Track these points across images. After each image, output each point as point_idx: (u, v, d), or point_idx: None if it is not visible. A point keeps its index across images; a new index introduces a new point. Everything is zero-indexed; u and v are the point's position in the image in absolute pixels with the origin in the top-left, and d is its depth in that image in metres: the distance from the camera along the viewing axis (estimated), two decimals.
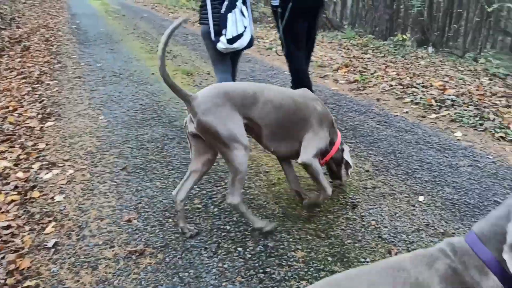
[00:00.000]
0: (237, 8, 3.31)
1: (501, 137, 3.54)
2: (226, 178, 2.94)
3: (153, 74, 5.98)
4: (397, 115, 4.12)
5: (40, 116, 4.45)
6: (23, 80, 6.00)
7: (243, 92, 2.29)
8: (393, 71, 5.94)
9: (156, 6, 16.67)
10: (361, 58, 7.32)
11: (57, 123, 4.25)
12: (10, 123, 4.34)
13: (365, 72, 5.72)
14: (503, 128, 3.65)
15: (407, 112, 4.20)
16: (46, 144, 3.75)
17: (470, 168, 3.04)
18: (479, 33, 12.78)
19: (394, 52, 7.93)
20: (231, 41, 3.29)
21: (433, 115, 4.07)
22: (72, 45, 8.42)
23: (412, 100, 4.49)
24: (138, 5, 17.66)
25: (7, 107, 4.92)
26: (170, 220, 2.52)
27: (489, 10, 8.50)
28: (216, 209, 2.60)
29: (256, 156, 3.30)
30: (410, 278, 1.03)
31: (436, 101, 4.32)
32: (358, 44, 8.90)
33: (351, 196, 2.64)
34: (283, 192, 2.72)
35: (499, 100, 4.46)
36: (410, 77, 5.50)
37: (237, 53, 3.59)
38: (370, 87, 5.05)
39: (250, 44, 3.46)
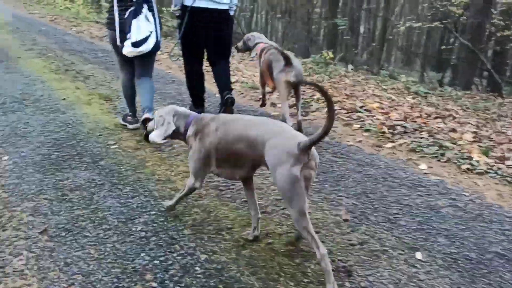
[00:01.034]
0: (142, 14, 3.57)
1: (468, 169, 3.43)
2: (181, 241, 2.42)
3: (64, 99, 5.19)
4: (351, 145, 3.88)
5: None
6: None
7: None
8: (330, 92, 5.77)
9: (55, 19, 15.29)
10: None
11: None
12: None
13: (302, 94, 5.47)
14: (466, 159, 3.55)
15: (360, 141, 3.98)
16: None
17: (452, 209, 2.83)
18: (382, 50, 13.46)
19: (319, 71, 7.87)
20: (135, 44, 3.53)
21: (389, 144, 3.89)
22: None
23: (361, 127, 4.29)
24: (34, 16, 16.08)
25: None
26: None
27: (401, 28, 8.82)
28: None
29: (212, 206, 2.80)
30: None
31: (387, 128, 4.16)
32: None
33: (340, 259, 2.25)
34: (257, 257, 2.26)
35: (442, 123, 4.44)
36: (347, 99, 5.36)
37: (146, 58, 3.80)
38: (312, 112, 4.79)
39: (156, 47, 3.72)
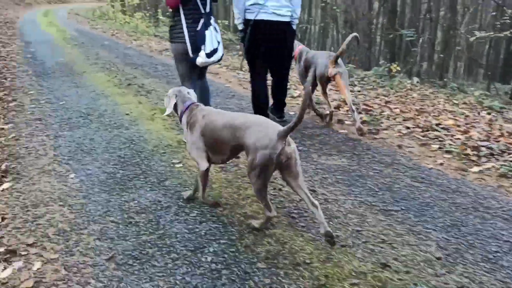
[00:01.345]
0: (212, 25, 3.82)
1: None
2: (255, 276, 2.22)
3: (127, 114, 5.19)
4: (432, 168, 3.54)
5: None
6: None
7: None
8: (396, 108, 5.44)
9: (116, 33, 15.82)
10: (350, 91, 6.82)
11: (16, 185, 3.39)
12: None
13: (370, 110, 5.18)
14: None
15: (442, 164, 3.63)
16: (2, 219, 2.89)
17: None
18: (447, 61, 12.77)
19: (383, 84, 7.51)
20: (209, 55, 3.76)
21: (476, 168, 3.52)
22: (28, 78, 7.48)
23: (440, 148, 3.94)
24: (97, 31, 16.74)
25: None
26: None
27: (472, 39, 8.31)
28: None
29: (285, 236, 2.59)
30: None
31: (471, 149, 3.79)
32: None
33: None
34: None
35: None
36: (419, 115, 5.00)
37: (204, 68, 4.13)
38: (383, 129, 4.48)
39: (222, 56, 3.98)
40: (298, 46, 4.96)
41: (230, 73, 7.98)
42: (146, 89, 6.54)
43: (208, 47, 3.74)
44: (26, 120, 5.03)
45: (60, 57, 9.59)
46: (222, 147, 2.63)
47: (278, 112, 4.74)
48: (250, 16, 4.19)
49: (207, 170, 2.77)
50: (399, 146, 4.02)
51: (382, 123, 4.63)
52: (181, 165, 3.66)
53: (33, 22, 20.11)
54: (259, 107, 4.52)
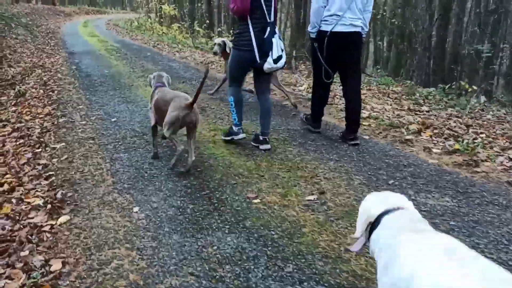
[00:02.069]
0: (277, 34, 3.99)
1: None
2: None
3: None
4: None
5: (48, 204, 3.19)
6: (21, 141, 4.77)
7: None
8: (481, 132, 4.84)
9: (157, 44, 15.68)
10: (418, 110, 6.26)
11: (74, 219, 3.00)
12: (7, 216, 3.09)
13: (457, 135, 4.61)
14: None
15: None
16: (64, 264, 2.48)
17: None
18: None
19: (450, 103, 6.91)
20: (275, 61, 3.96)
21: None
22: (75, 90, 7.23)
23: None
24: (138, 42, 16.66)
25: (1, 184, 3.68)
26: None
27: None
28: None
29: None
30: None
31: None
32: (399, 91, 7.89)
33: None
34: None
35: None
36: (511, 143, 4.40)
37: (268, 74, 4.24)
38: (482, 160, 3.90)
39: (285, 64, 4.19)
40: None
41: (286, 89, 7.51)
42: (200, 105, 6.14)
43: (274, 53, 3.92)
44: (78, 139, 4.69)
45: (106, 69, 9.37)
46: (162, 113, 3.68)
47: (351, 132, 4.46)
48: (327, 28, 4.20)
49: (155, 126, 3.97)
50: (509, 183, 3.44)
51: (478, 152, 4.05)
52: (258, 200, 3.19)
53: (74, 33, 20.32)
54: (316, 114, 4.73)
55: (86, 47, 13.76)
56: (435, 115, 5.98)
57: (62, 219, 3.01)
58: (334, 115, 5.65)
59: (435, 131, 4.74)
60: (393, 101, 7.02)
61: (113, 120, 5.39)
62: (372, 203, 1.67)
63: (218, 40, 6.39)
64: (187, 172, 3.70)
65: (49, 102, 6.46)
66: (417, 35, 8.60)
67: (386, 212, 1.58)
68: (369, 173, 3.67)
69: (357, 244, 1.70)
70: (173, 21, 34.21)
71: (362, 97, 7.04)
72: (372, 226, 1.61)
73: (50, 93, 7.02)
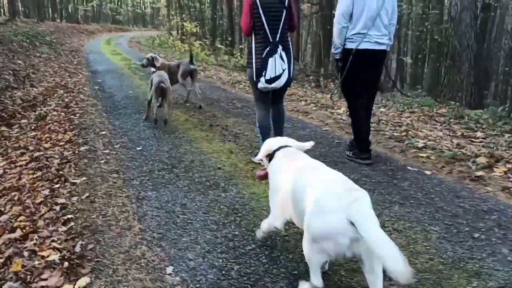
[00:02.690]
0: (277, 54, 3.89)
1: None
2: None
3: (220, 168, 4.25)
4: None
5: (65, 261, 2.67)
6: (38, 173, 4.32)
7: None
8: None
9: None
10: (473, 137, 5.62)
11: (96, 282, 2.46)
12: (16, 276, 2.58)
13: None
14: None
15: None
16: None
17: None
18: None
19: (505, 127, 6.24)
20: (269, 81, 3.92)
21: None
22: (97, 113, 6.81)
23: None
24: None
25: (14, 229, 3.21)
26: None
27: None
28: None
29: None
30: None
31: None
32: (444, 113, 7.24)
33: None
34: None
35: None
36: None
37: (279, 91, 4.20)
38: None
39: (287, 83, 4.07)
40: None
41: (321, 112, 6.96)
42: (233, 132, 5.63)
43: (268, 73, 3.89)
44: (100, 172, 4.21)
45: (129, 89, 8.99)
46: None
47: (366, 152, 4.32)
48: (352, 46, 4.09)
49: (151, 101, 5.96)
50: None
51: None
52: None
53: (97, 51, 20.26)
54: (363, 139, 4.32)
55: (109, 66, 13.49)
56: (494, 143, 5.32)
57: (81, 282, 2.48)
58: (383, 144, 5.04)
59: (508, 165, 4.09)
60: (441, 125, 6.40)
61: (138, 149, 4.91)
62: (272, 141, 2.67)
63: (148, 55, 7.16)
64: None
65: (70, 126, 6.03)
66: (462, 53, 7.95)
67: (278, 148, 2.56)
68: (446, 222, 3.05)
69: (263, 171, 2.83)
70: (195, 38, 34.24)
71: (408, 120, 6.46)
72: (270, 157, 2.58)
73: (72, 116, 6.61)
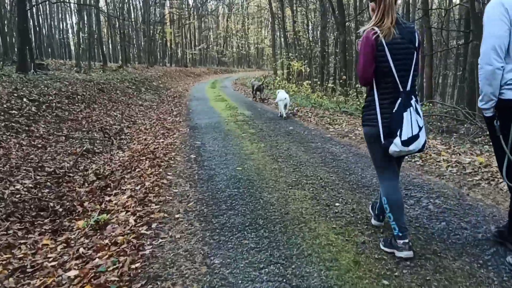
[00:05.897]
0: (412, 107, 2.93)
1: None
2: None
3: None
4: None
5: None
6: None
7: None
8: None
9: (296, 110, 12.55)
10: None
11: None
12: None
13: None
14: None
15: None
16: None
17: None
18: None
19: None
20: (406, 143, 2.91)
21: None
22: (185, 224, 4.01)
23: None
24: (270, 107, 13.73)
25: None
26: None
27: None
28: None
29: None
30: None
31: None
32: None
33: None
34: None
35: None
36: None
37: (402, 158, 3.32)
38: None
39: (424, 145, 3.02)
40: None
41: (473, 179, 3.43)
42: (325, 184, 2.38)
43: (405, 133, 2.85)
44: None
45: (237, 162, 6.17)
46: None
47: None
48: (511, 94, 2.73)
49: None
50: None
51: None
52: None
53: (201, 96, 18.49)
54: None
55: (212, 118, 11.09)
56: None
57: None
58: None
59: None
60: None
61: None
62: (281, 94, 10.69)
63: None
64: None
65: (137, 258, 3.24)
66: None
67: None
68: None
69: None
70: (303, 78, 31.78)
71: None
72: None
73: (142, 232, 3.85)
